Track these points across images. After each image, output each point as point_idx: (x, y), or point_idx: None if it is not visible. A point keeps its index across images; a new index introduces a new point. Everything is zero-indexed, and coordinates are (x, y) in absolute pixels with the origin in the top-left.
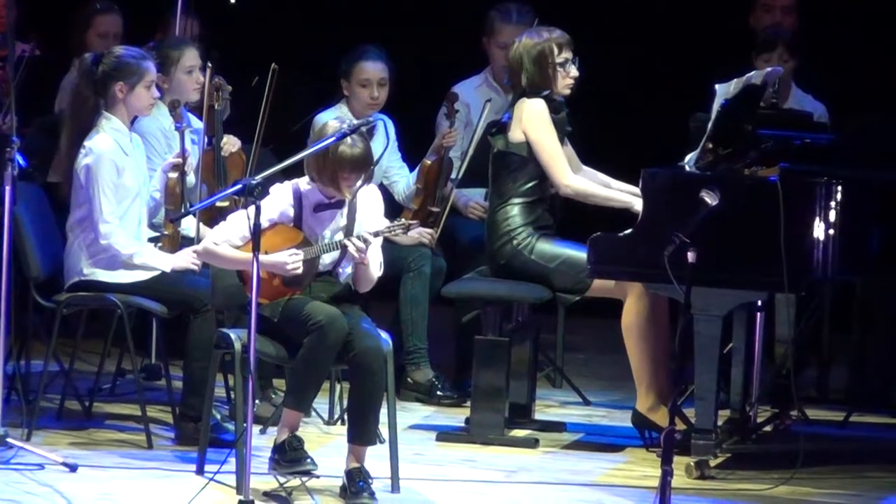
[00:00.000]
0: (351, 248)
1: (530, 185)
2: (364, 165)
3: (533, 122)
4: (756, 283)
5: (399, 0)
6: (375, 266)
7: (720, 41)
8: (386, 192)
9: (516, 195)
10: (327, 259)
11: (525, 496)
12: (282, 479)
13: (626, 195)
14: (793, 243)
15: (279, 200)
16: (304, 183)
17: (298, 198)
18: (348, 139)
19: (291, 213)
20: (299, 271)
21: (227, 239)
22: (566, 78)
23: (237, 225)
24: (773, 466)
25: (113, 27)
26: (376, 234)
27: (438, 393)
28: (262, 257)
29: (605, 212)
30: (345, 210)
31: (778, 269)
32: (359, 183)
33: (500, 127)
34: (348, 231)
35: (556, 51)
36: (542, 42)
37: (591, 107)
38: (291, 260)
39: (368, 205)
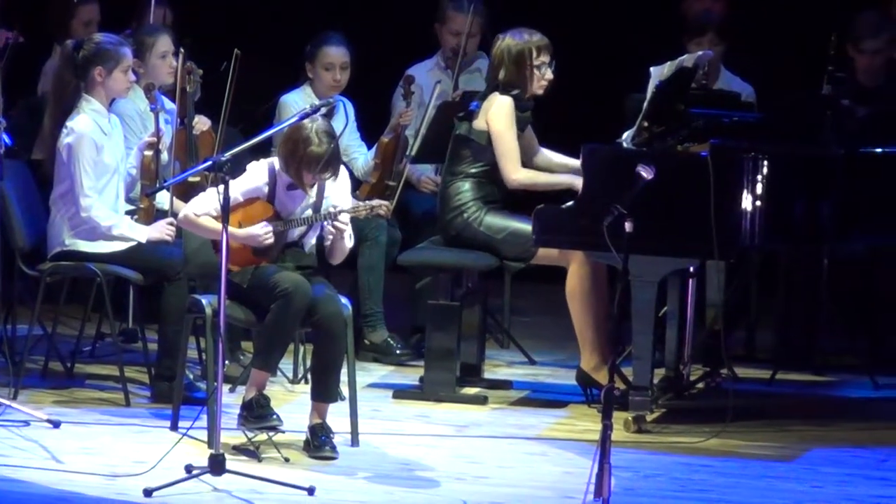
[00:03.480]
0: (329, 229)
1: (483, 168)
2: (328, 167)
3: (497, 117)
4: (688, 251)
5: None
6: (347, 238)
7: (654, 26)
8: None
9: (468, 174)
10: (295, 232)
11: (475, 449)
12: (250, 434)
13: (567, 176)
14: (722, 214)
15: (255, 177)
16: (279, 163)
17: (273, 176)
18: (315, 139)
19: (266, 189)
20: (270, 242)
21: (206, 210)
22: (541, 80)
23: (215, 197)
24: (705, 421)
25: (95, 15)
26: (341, 213)
27: (397, 351)
28: (237, 230)
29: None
30: (315, 189)
31: (709, 237)
32: (323, 176)
33: (467, 113)
34: (316, 208)
35: (534, 53)
36: (522, 44)
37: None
38: (263, 232)
39: (337, 184)
